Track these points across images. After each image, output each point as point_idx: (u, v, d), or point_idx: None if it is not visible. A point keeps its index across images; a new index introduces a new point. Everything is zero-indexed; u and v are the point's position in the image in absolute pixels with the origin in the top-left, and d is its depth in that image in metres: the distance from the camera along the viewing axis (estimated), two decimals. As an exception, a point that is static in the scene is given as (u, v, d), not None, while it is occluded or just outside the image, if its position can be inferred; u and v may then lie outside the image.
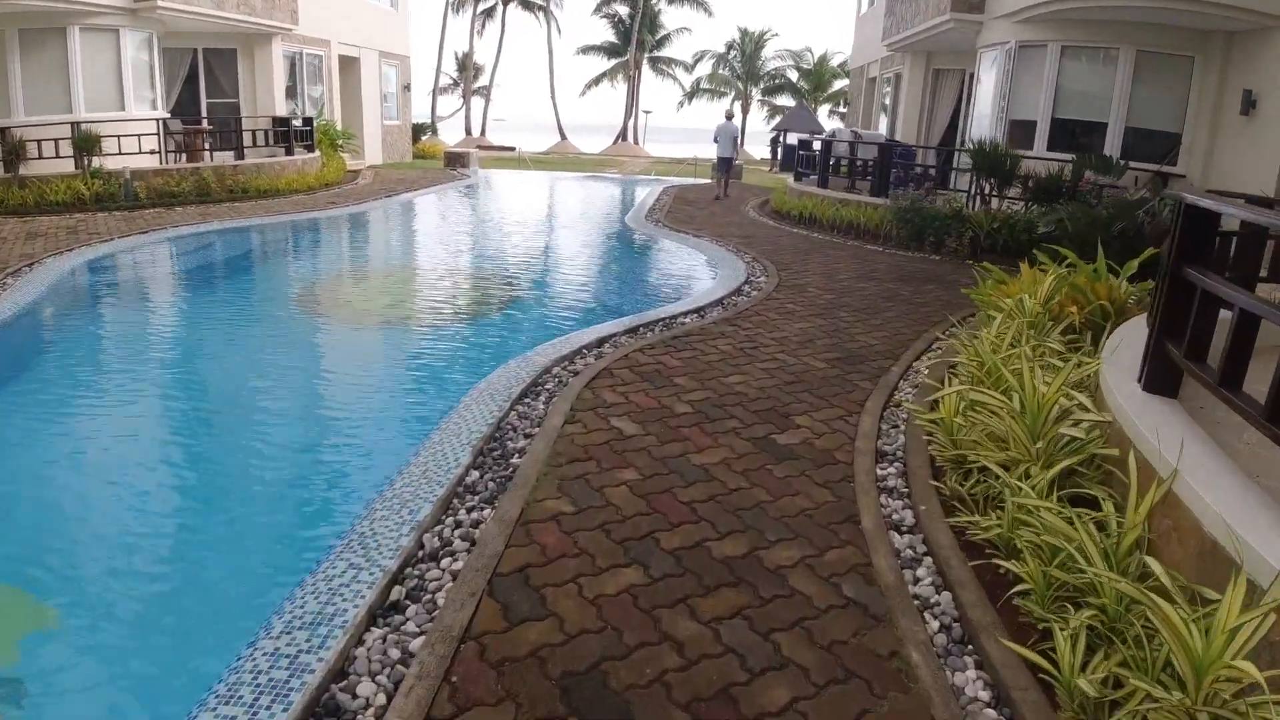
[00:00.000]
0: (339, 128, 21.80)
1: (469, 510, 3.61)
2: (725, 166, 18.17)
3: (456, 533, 3.42)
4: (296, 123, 17.68)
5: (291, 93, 20.35)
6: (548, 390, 5.10)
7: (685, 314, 7.19)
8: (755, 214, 15.17)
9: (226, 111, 18.56)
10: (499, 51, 51.70)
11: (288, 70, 20.05)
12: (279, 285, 9.57)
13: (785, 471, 4.09)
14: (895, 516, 3.69)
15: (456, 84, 54.79)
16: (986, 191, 11.26)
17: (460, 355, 6.72)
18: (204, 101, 18.66)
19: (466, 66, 53.12)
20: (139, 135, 14.19)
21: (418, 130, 32.97)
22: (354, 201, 14.86)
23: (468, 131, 51.79)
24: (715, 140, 18.28)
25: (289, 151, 16.82)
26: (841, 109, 46.99)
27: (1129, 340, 4.38)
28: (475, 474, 3.96)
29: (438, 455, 4.17)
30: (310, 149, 18.11)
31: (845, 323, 7.15)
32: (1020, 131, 12.52)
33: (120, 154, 13.83)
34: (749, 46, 48.54)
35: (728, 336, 6.43)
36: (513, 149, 41.39)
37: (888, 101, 20.32)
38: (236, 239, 11.84)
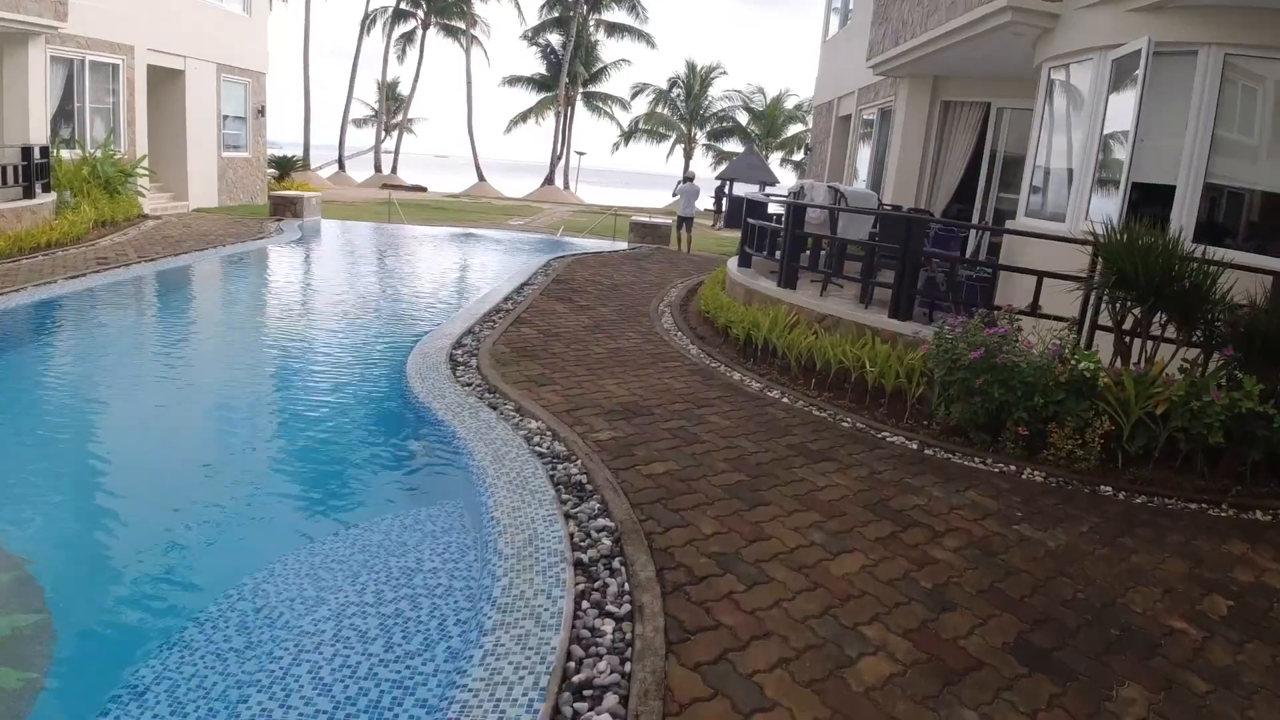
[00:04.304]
0: (133, 159, 15.54)
1: None
2: (687, 225, 18.55)
3: None
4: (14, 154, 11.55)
5: (69, 112, 14.77)
6: None
7: None
8: (672, 322, 9.04)
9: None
10: (415, 81, 45.75)
11: (61, 82, 14.50)
12: None
13: None
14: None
15: (376, 114, 48.78)
16: (1128, 328, 5.40)
17: None
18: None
19: (381, 96, 47.17)
20: None
21: (284, 164, 26.69)
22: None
23: (377, 168, 45.70)
24: (674, 196, 20.59)
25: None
26: (795, 157, 42.01)
27: None
28: None
29: None
30: (29, 192, 11.94)
31: None
32: (1141, 202, 6.93)
33: None
34: (695, 84, 43.49)
35: None
36: (424, 189, 36.00)
37: (867, 149, 14.84)
38: None
